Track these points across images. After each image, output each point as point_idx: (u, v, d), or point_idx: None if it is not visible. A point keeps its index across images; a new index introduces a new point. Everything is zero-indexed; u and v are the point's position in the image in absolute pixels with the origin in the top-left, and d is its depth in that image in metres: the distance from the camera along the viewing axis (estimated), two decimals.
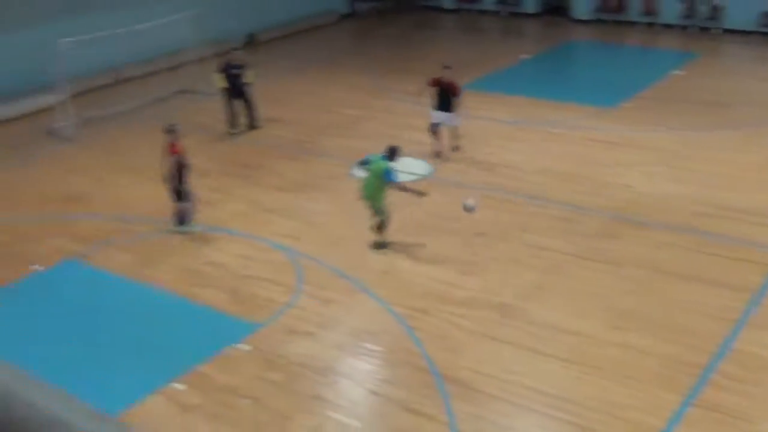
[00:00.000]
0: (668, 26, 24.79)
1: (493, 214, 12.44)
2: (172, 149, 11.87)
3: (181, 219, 12.09)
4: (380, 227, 11.38)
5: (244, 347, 9.28)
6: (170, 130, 11.98)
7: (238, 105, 16.39)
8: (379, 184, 11.15)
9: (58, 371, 8.83)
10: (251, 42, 24.63)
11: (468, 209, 11.57)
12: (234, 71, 16.18)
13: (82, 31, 16.75)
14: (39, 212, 13.20)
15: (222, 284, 10.65)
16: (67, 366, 8.99)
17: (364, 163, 11.78)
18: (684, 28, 24.50)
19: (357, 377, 8.80)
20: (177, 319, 10.03)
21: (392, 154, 11.37)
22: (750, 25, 23.46)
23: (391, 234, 11.74)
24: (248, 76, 16.37)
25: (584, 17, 26.07)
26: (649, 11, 25.14)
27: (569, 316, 9.63)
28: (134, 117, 17.84)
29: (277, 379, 8.71)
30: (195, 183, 12.26)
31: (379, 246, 11.39)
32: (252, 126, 16.55)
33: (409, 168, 14.23)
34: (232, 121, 16.32)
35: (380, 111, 17.78)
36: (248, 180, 14.03)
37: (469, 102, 18.14)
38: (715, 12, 24.14)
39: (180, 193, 11.92)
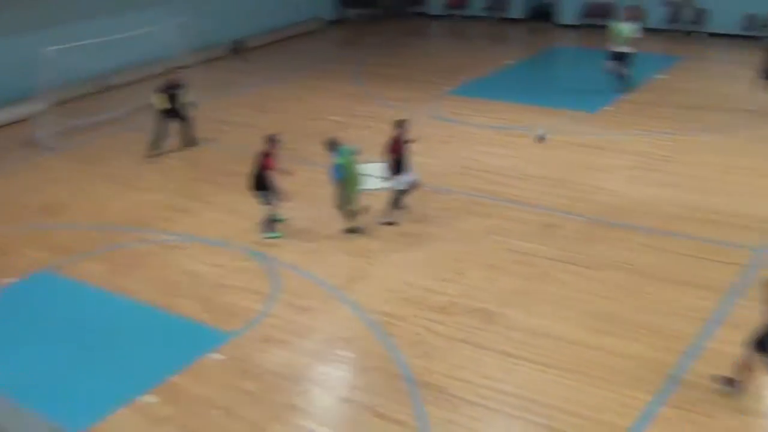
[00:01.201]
0: (653, 30, 24.80)
1: (475, 219, 12.38)
2: (269, 162, 11.75)
3: (269, 224, 12.09)
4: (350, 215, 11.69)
5: (218, 357, 9.18)
6: (272, 140, 11.86)
7: (172, 126, 16.10)
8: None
9: (29, 385, 8.77)
10: (237, 49, 24.59)
11: (540, 138, 12.87)
12: (174, 91, 15.93)
13: (65, 40, 16.67)
14: (17, 223, 13.09)
15: (197, 294, 10.54)
16: (38, 379, 8.89)
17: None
18: (669, 32, 24.53)
19: (330, 385, 8.70)
20: (151, 330, 9.91)
21: (331, 146, 11.50)
22: (733, 28, 23.46)
23: (372, 241, 11.69)
24: (187, 97, 16.09)
25: (570, 22, 26.09)
26: (634, 16, 25.11)
27: (548, 320, 9.56)
28: (117, 126, 17.76)
29: (251, 388, 8.61)
30: (172, 191, 12.19)
31: (354, 231, 11.67)
32: (187, 145, 16.22)
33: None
34: (156, 143, 15.81)
35: (366, 118, 17.71)
36: (227, 188, 13.92)
37: (454, 107, 18.18)
38: (699, 16, 24.17)
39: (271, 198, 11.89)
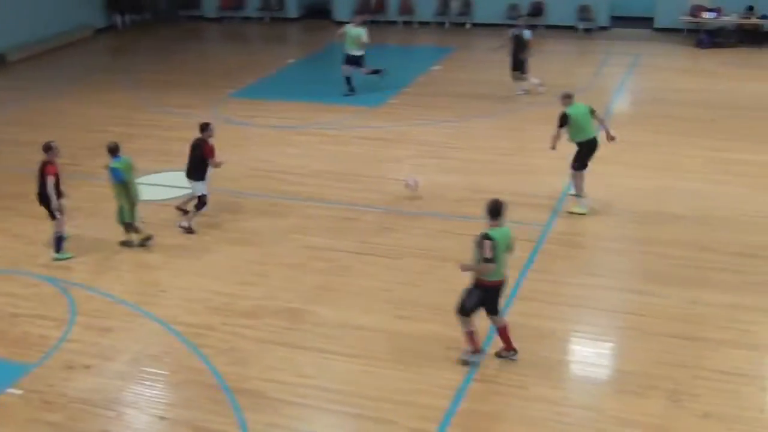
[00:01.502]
0: (425, 23, 25.96)
1: (270, 220, 12.41)
2: (51, 169, 10.99)
3: (57, 244, 11.42)
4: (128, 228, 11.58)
5: (17, 392, 8.60)
6: (48, 148, 11.10)
7: None
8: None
9: None
10: (0, 63, 23.00)
11: (411, 187, 12.89)
12: None
13: None
14: None
15: None
16: None
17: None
18: (439, 24, 25.75)
19: (143, 405, 8.40)
20: None
21: (112, 150, 11.39)
22: (497, 17, 24.99)
23: (168, 251, 11.43)
24: None
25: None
26: (406, 11, 26.17)
27: (354, 312, 9.79)
28: None
29: (57, 420, 8.14)
30: None
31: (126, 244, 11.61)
32: None
33: (180, 182, 13.89)
34: None
35: (147, 126, 17.20)
36: (10, 211, 13.05)
37: (240, 110, 18.07)
38: (466, 7, 25.55)
39: (54, 212, 11.15)
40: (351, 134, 16.06)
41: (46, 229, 11.74)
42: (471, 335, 8.58)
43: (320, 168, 14.43)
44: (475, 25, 25.58)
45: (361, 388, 8.40)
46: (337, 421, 8.05)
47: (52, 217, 11.29)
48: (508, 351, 8.74)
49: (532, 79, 18.00)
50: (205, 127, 11.94)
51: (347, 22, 19.60)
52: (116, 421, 8.15)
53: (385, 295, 10.17)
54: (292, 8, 27.77)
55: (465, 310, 8.41)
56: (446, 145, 15.36)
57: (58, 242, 11.46)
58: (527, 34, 17.75)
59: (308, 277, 10.71)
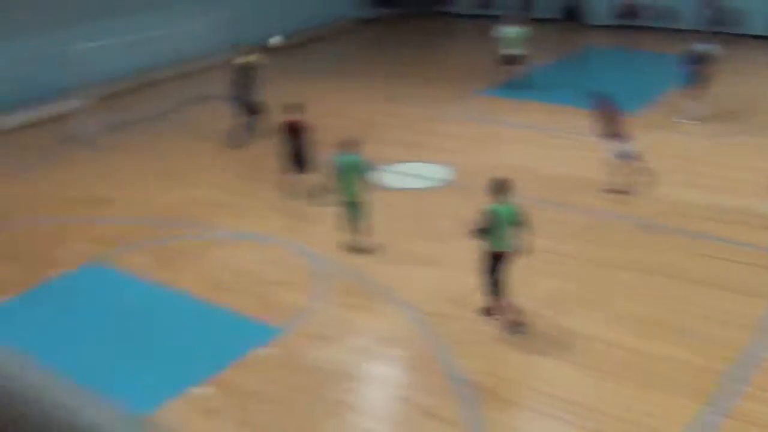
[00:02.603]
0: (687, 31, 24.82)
1: None
2: (301, 124, 12.65)
3: (313, 191, 12.70)
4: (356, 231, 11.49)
5: (269, 351, 9.32)
6: (302, 107, 12.81)
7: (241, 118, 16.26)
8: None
9: (77, 374, 8.89)
10: (269, 47, 24.70)
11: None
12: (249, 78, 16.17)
13: (105, 36, 16.89)
14: (63, 216, 13.29)
15: (247, 288, 10.69)
16: (88, 370, 9.03)
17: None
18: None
19: (379, 382, 8.82)
20: (201, 323, 10.07)
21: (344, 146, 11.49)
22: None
23: (416, 239, 11.78)
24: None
25: (601, 23, 26.09)
26: (666, 16, 25.15)
27: (596, 324, 9.60)
28: (157, 121, 17.97)
29: (301, 383, 8.73)
30: (218, 186, 12.29)
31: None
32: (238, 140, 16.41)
33: (428, 173, 14.30)
34: (238, 134, 16.13)
35: (395, 116, 17.82)
36: (273, 184, 14.02)
37: (485, 107, 18.26)
38: (733, 16, 24.13)
39: (306, 165, 12.55)
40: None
41: (294, 205, 12.54)
42: (505, 307, 9.45)
43: (563, 173, 14.25)
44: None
45: (591, 401, 8.25)
46: (561, 429, 7.99)
47: (301, 170, 12.47)
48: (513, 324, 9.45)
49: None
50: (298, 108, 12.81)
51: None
52: (353, 394, 8.60)
53: (631, 311, 9.90)
54: (547, 9, 27.56)
55: (493, 289, 9.37)
56: (700, 160, 14.62)
57: (317, 191, 12.40)
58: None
59: (547, 281, 10.64)
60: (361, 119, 17.66)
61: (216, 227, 12.58)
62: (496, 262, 9.30)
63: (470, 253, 11.35)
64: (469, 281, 10.61)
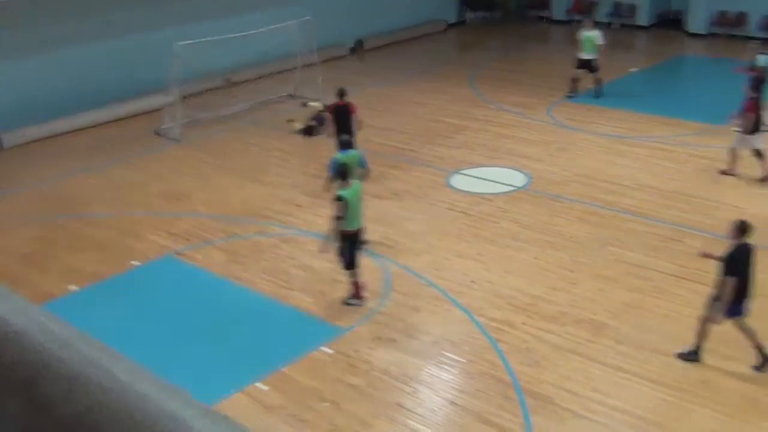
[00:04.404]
0: None
1: (588, 228, 12.19)
2: (354, 108, 13.36)
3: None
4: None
5: (329, 351, 9.37)
6: (345, 92, 13.42)
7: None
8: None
9: (148, 363, 9.11)
10: (358, 48, 24.95)
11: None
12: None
13: (194, 36, 17.33)
14: (142, 209, 13.70)
15: (310, 287, 10.78)
16: (156, 359, 9.25)
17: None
18: None
19: (437, 386, 8.74)
20: (264, 320, 10.22)
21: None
22: None
23: (480, 243, 11.68)
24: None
25: (699, 31, 25.27)
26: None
27: (661, 337, 9.32)
28: (241, 120, 18.34)
29: (359, 384, 8.75)
30: (292, 185, 12.41)
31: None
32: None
33: (505, 179, 14.16)
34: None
35: (480, 121, 17.68)
36: None
37: (572, 114, 17.92)
38: None
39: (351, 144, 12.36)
40: (687, 151, 15.22)
41: (377, 204, 12.61)
42: (357, 285, 10.13)
43: (648, 183, 13.86)
44: None
45: (655, 416, 8.00)
46: None
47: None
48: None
49: None
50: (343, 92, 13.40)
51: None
52: (410, 397, 8.55)
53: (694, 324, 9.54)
54: (644, 16, 26.87)
55: (350, 264, 10.06)
56: None
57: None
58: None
59: (618, 292, 10.37)
60: (450, 123, 17.58)
61: (290, 226, 12.73)
62: (350, 241, 10.04)
63: (536, 260, 11.25)
64: (534, 289, 10.47)
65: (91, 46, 18.69)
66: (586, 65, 18.52)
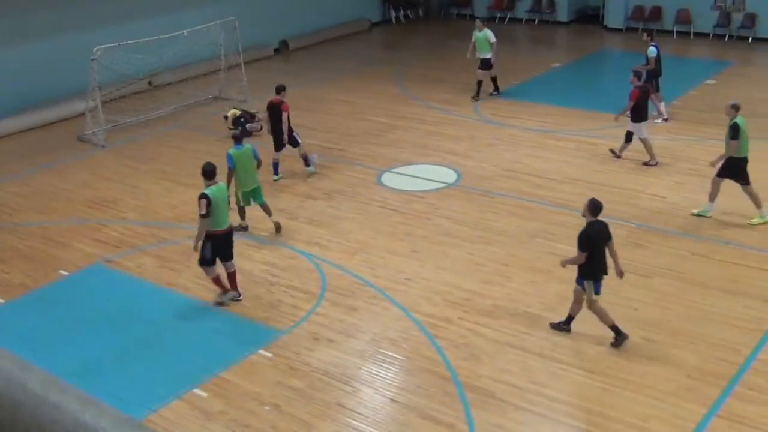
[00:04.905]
0: (702, 35, 24.58)
1: (518, 222, 12.40)
2: (285, 107, 13.69)
3: (307, 159, 14.23)
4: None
5: (266, 354, 9.32)
6: (283, 89, 13.83)
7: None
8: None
9: (82, 374, 8.95)
10: (283, 49, 24.81)
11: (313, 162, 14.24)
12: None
13: (114, 39, 16.98)
14: (69, 216, 13.37)
15: (246, 291, 10.68)
16: (90, 369, 9.09)
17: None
18: (718, 37, 24.26)
19: (377, 385, 8.77)
20: (200, 325, 10.10)
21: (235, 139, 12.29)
22: None
23: (412, 240, 11.77)
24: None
25: (617, 26, 25.92)
26: (683, 20, 24.92)
27: (595, 326, 9.50)
28: (166, 124, 18.05)
29: (299, 386, 8.72)
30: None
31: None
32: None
33: (435, 176, 14.30)
34: None
35: (408, 119, 17.78)
36: (275, 186, 14.05)
37: (498, 110, 18.18)
38: (750, 20, 23.86)
39: (295, 140, 13.94)
40: (610, 144, 15.60)
41: (308, 206, 12.57)
42: (217, 280, 10.19)
43: (574, 175, 14.17)
44: (758, 39, 23.81)
45: (592, 404, 8.20)
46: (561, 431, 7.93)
47: (279, 147, 13.83)
48: (229, 292, 10.26)
49: None
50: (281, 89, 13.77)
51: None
52: (351, 396, 8.58)
53: (630, 313, 9.80)
54: (563, 11, 27.43)
55: (206, 261, 10.05)
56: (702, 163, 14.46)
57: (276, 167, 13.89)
58: None
59: (551, 284, 10.58)
60: (377, 121, 17.64)
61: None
62: (221, 240, 10.09)
63: (470, 255, 11.40)
64: (468, 284, 10.61)
65: (8, 50, 18.11)
66: (486, 65, 18.61)
